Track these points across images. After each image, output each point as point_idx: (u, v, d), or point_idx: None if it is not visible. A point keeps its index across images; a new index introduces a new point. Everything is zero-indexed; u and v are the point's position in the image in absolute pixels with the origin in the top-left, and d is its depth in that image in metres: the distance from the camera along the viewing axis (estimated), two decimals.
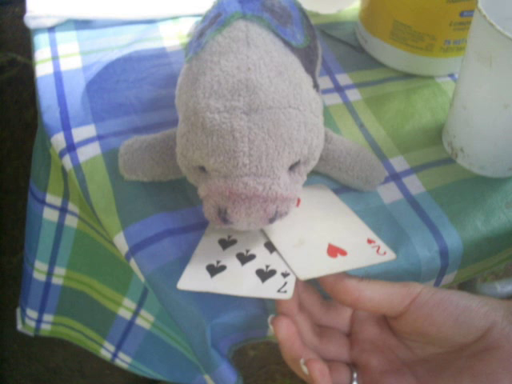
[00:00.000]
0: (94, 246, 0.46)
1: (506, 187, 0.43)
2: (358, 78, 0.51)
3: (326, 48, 0.54)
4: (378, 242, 0.36)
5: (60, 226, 0.47)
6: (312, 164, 0.36)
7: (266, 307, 0.36)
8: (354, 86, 0.50)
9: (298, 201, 0.38)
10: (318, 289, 0.35)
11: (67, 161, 0.41)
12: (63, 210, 0.46)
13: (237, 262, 0.34)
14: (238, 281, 0.32)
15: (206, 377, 0.42)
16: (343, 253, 0.34)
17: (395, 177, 0.43)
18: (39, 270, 0.50)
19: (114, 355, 0.50)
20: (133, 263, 0.37)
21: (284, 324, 0.31)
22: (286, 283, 0.32)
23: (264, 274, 0.33)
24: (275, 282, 0.32)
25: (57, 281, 0.50)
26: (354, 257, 0.34)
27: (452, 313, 0.30)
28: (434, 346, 0.32)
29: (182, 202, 0.40)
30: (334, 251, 0.34)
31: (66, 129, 0.43)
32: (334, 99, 0.49)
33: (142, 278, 0.37)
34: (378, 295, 0.31)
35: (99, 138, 0.43)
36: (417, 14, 0.47)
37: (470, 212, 0.41)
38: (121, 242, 0.37)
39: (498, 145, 0.41)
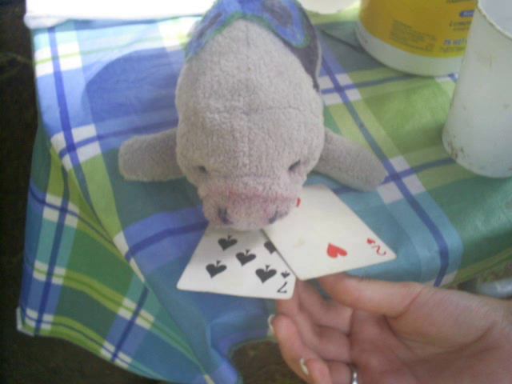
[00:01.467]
0: (94, 246, 0.46)
1: (506, 187, 0.43)
2: (358, 78, 0.51)
3: (326, 48, 0.54)
4: (378, 241, 0.36)
5: (60, 226, 0.47)
6: (312, 164, 0.36)
7: (266, 307, 0.36)
8: (354, 86, 0.50)
9: (298, 201, 0.38)
10: (318, 289, 0.35)
11: (67, 161, 0.41)
12: (63, 210, 0.46)
13: (237, 262, 0.34)
14: (238, 281, 0.32)
15: (206, 377, 0.42)
16: (343, 253, 0.34)
17: (395, 177, 0.43)
18: (39, 270, 0.50)
19: (114, 355, 0.50)
20: (133, 263, 0.37)
21: (284, 324, 0.31)
22: (286, 283, 0.32)
23: (264, 274, 0.33)
24: (275, 282, 0.32)
25: (57, 281, 0.50)
26: (354, 257, 0.34)
27: (452, 313, 0.30)
28: (433, 346, 0.32)
29: (182, 202, 0.40)
30: (334, 251, 0.34)
31: (66, 129, 0.43)
32: (334, 99, 0.49)
33: (142, 278, 0.37)
34: (378, 295, 0.31)
35: (99, 137, 0.43)
36: (417, 14, 0.47)
37: (470, 212, 0.41)
38: (121, 242, 0.37)
39: (498, 145, 0.41)
